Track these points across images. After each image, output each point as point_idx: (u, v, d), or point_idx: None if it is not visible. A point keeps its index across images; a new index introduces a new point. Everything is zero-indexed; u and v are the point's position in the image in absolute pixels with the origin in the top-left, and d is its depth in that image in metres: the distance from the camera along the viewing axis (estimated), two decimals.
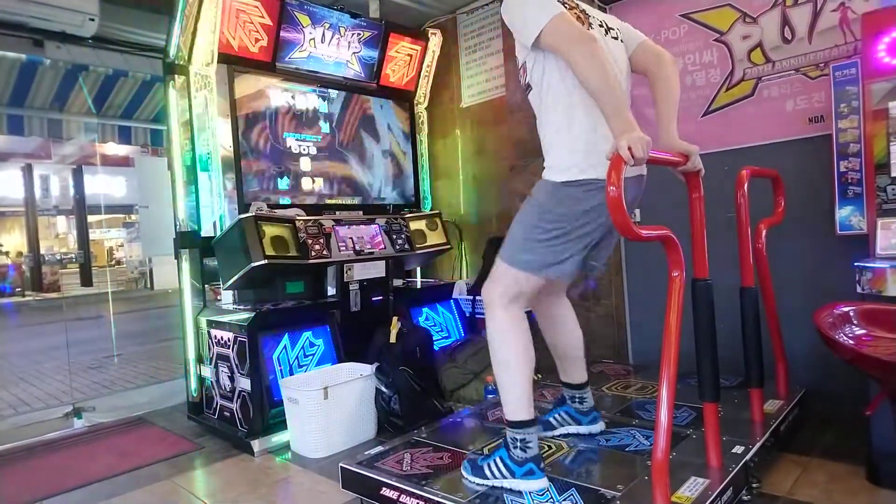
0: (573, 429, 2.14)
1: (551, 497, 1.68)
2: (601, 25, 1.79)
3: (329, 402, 2.54)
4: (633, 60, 1.88)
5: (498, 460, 1.79)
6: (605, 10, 3.08)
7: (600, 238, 1.80)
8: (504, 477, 1.76)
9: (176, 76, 3.06)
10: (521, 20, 1.68)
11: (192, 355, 3.14)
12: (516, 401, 1.76)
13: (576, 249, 1.74)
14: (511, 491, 1.74)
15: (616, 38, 1.83)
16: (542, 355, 2.18)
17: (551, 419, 2.17)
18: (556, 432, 2.15)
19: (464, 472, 1.87)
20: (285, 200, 3.23)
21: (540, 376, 3.02)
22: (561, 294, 2.10)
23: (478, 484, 1.80)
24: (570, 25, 1.58)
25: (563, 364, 2.11)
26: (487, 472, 1.79)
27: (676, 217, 1.94)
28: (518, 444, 1.74)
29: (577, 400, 2.13)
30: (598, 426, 2.14)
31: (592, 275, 2.08)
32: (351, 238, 3.18)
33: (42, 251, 15.13)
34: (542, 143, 1.81)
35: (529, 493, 1.71)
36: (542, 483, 1.74)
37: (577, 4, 1.77)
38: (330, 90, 3.49)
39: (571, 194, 1.70)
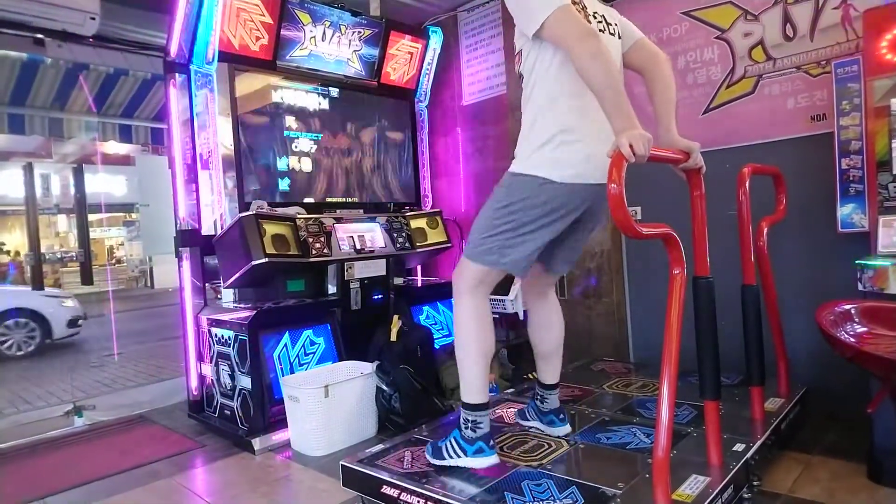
0: (537, 424, 2.20)
1: (552, 494, 1.68)
2: (600, 20, 1.79)
3: (330, 400, 2.54)
4: (627, 58, 1.89)
5: (453, 441, 1.89)
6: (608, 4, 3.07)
7: (559, 238, 1.84)
8: (458, 456, 1.86)
9: (177, 75, 3.05)
10: (524, 8, 1.68)
11: (192, 354, 3.14)
12: (470, 383, 1.86)
13: (530, 244, 1.77)
14: (465, 470, 1.84)
15: (613, 35, 1.83)
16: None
17: (525, 410, 2.27)
18: (528, 423, 2.23)
19: (426, 455, 1.96)
20: (286, 199, 3.22)
21: (533, 375, 3.02)
22: (545, 294, 2.12)
23: (437, 464, 1.90)
24: (575, 19, 1.58)
25: (537, 360, 2.17)
26: (444, 453, 1.89)
27: (677, 215, 1.93)
28: (469, 424, 1.85)
29: (538, 398, 2.19)
30: (558, 429, 2.14)
31: (559, 275, 2.11)
32: (351, 236, 3.18)
33: (43, 250, 15.13)
34: (520, 134, 1.83)
35: (529, 487, 1.71)
36: (491, 460, 1.84)
37: None
38: (331, 88, 3.48)
39: (525, 186, 1.73)
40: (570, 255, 2.03)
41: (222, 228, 2.97)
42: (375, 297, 3.27)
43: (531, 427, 2.21)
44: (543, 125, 1.73)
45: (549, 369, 2.14)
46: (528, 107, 1.79)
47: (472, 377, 1.85)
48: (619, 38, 1.86)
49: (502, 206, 1.78)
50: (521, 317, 3.21)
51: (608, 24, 1.82)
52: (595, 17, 1.77)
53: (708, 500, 1.60)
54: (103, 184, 15.38)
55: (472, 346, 1.85)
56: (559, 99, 1.71)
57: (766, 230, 2.29)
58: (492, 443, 1.87)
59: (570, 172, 1.69)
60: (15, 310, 6.55)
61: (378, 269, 3.27)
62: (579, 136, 1.69)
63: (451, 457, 1.87)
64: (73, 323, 6.90)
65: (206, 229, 3.06)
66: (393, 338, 2.92)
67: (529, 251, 1.79)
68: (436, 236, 3.63)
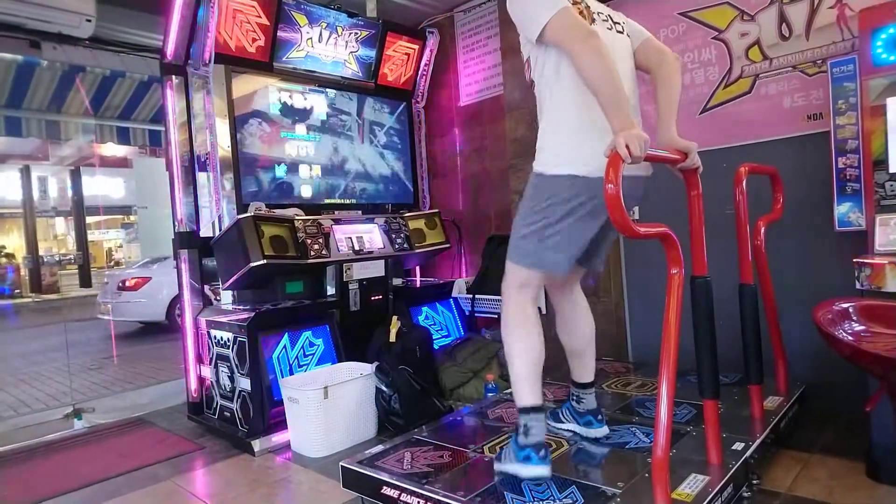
0: (574, 427, 2.15)
1: (551, 494, 1.69)
2: (605, 20, 1.80)
3: (329, 401, 2.54)
4: (636, 57, 1.88)
5: (510, 444, 1.83)
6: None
7: (594, 236, 1.81)
8: (509, 461, 1.79)
9: (173, 76, 3.05)
10: (526, 14, 1.69)
11: (191, 355, 3.14)
12: (520, 387, 1.81)
13: (567, 243, 1.75)
14: (511, 482, 1.76)
15: (622, 32, 1.84)
16: (551, 354, 2.18)
17: (560, 412, 2.21)
18: (562, 426, 2.17)
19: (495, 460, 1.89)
20: (284, 200, 3.22)
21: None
22: (570, 290, 2.09)
23: (498, 469, 1.81)
24: (574, 21, 1.59)
25: (568, 359, 2.13)
26: (503, 456, 1.83)
27: (675, 215, 1.93)
28: (522, 428, 1.78)
29: (574, 398, 2.15)
30: (596, 431, 2.09)
31: (594, 273, 2.08)
32: (350, 237, 3.18)
33: (41, 252, 15.11)
34: (538, 137, 1.82)
35: (529, 487, 1.71)
36: (538, 470, 1.71)
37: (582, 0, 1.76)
38: (328, 90, 3.48)
39: (552, 184, 1.72)
40: (600, 252, 1.99)
41: (220, 230, 2.97)
42: (374, 297, 3.27)
43: (565, 430, 2.15)
44: (562, 124, 1.72)
45: (581, 367, 2.10)
46: (545, 111, 1.78)
47: (517, 380, 1.82)
48: (629, 36, 1.86)
49: (533, 205, 1.76)
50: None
51: (615, 22, 1.83)
52: (600, 17, 1.78)
53: (707, 499, 1.60)
54: (101, 186, 15.37)
55: (514, 348, 1.82)
56: (575, 98, 1.69)
57: (763, 229, 2.30)
58: (542, 452, 1.72)
59: (596, 166, 1.63)
60: None
61: (377, 269, 3.27)
62: (598, 132, 1.66)
63: (504, 461, 1.81)
64: None
65: (205, 231, 3.06)
66: (392, 339, 2.92)
67: (568, 252, 1.76)
68: (434, 237, 3.64)
